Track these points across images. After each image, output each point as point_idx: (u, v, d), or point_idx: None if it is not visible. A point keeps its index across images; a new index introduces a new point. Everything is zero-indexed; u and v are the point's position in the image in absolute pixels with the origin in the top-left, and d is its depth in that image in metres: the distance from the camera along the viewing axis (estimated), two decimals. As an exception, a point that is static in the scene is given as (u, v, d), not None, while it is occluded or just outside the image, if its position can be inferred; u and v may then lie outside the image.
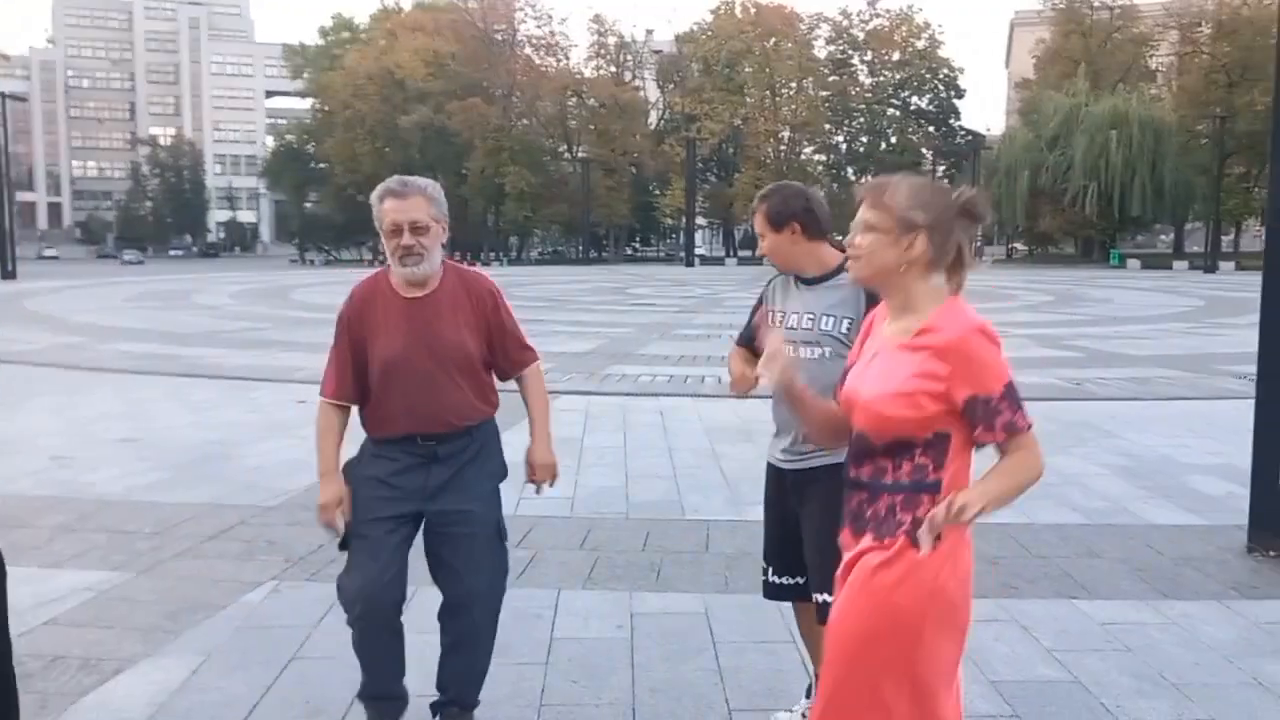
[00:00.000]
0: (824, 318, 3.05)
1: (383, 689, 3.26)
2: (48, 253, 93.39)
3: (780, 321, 3.15)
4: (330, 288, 34.04)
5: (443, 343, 3.10)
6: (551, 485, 3.40)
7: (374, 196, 3.11)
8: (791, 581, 3.24)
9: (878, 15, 77.41)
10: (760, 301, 3.33)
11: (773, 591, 3.34)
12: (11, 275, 44.28)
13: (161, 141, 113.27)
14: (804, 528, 3.11)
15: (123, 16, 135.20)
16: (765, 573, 3.34)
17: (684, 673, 3.88)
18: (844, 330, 3.00)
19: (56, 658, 3.97)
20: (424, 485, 3.13)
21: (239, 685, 3.74)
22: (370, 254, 79.79)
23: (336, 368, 3.17)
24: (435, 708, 3.29)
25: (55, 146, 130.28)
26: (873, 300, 2.91)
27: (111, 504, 6.35)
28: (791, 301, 3.16)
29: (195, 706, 3.59)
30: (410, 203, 3.04)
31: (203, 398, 10.90)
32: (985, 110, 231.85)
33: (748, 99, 74.94)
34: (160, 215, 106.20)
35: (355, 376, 3.16)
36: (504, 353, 3.26)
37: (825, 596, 2.97)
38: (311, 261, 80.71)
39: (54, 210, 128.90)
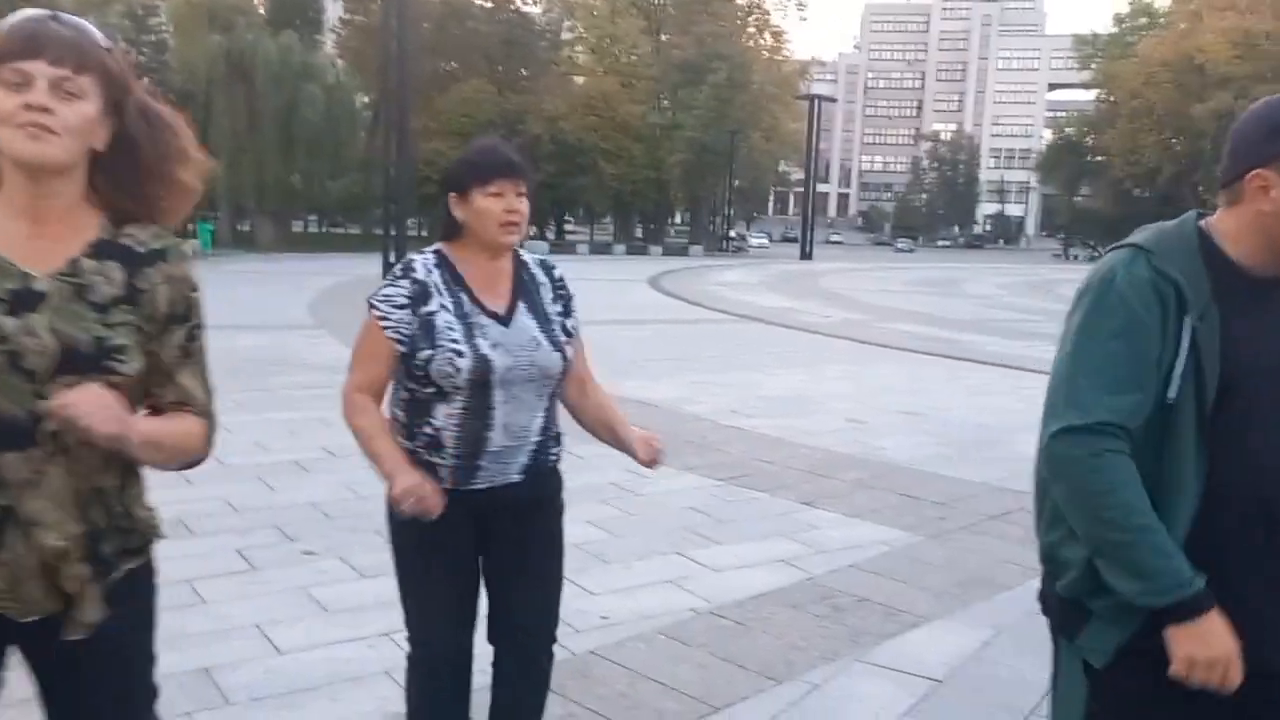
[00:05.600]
0: None
1: None
2: (833, 238, 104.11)
3: None
4: (1099, 285, 32.70)
5: None
6: None
7: None
8: None
9: None
10: None
11: None
12: (808, 257, 50.69)
13: (942, 137, 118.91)
14: None
15: (921, 19, 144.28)
16: None
17: None
18: None
19: (863, 599, 4.39)
20: None
21: (1031, 669, 3.76)
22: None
23: None
24: None
25: (849, 143, 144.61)
26: None
27: (900, 469, 6.85)
28: None
29: (991, 678, 3.69)
30: None
31: (975, 381, 11.24)
32: None
33: None
34: (933, 207, 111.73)
35: None
36: None
37: None
38: (1075, 256, 78.43)
39: (841, 200, 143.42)
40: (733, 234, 70.24)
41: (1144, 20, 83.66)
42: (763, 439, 7.72)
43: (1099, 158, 77.92)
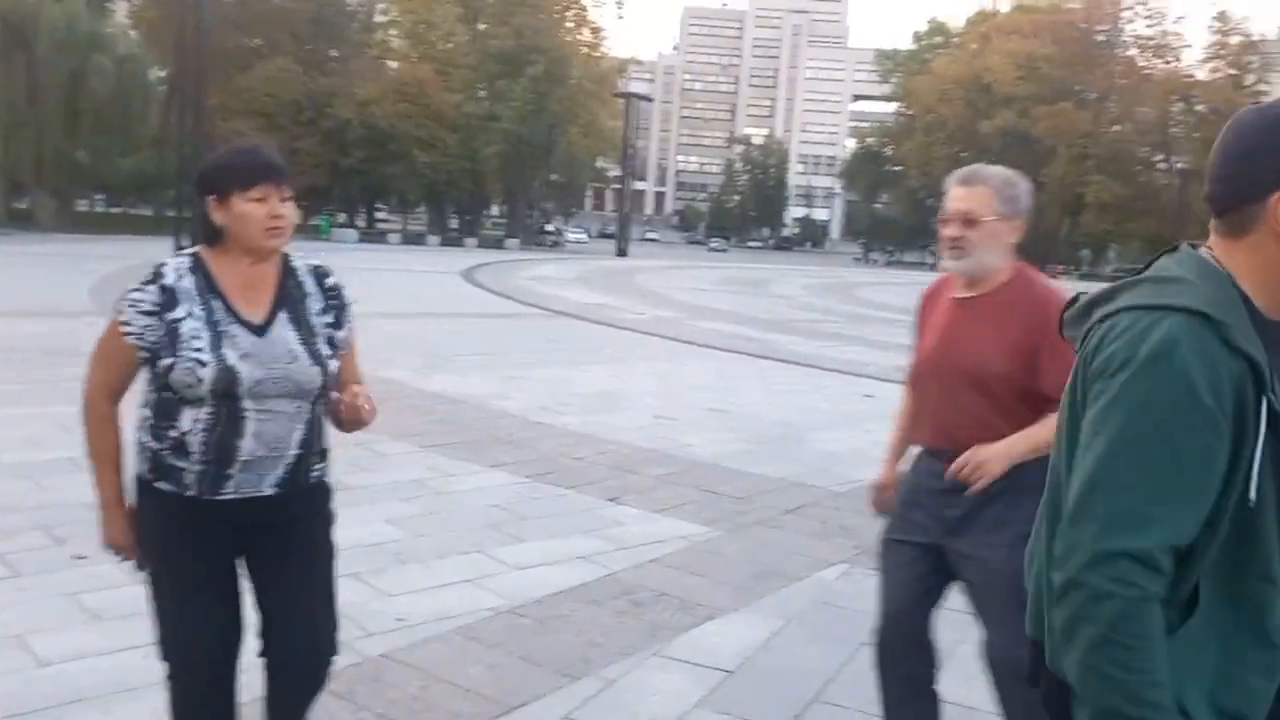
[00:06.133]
0: None
1: None
2: (649, 235, 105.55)
3: None
4: (894, 288, 34.52)
5: (961, 350, 2.73)
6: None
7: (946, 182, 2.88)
8: None
9: None
10: None
11: None
12: (624, 254, 51.25)
13: (754, 141, 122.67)
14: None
15: (736, 25, 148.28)
16: None
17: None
18: None
19: (662, 594, 4.47)
20: (940, 514, 2.71)
21: (816, 657, 3.93)
22: (932, 258, 79.47)
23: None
24: None
25: (666, 142, 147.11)
26: None
27: (704, 465, 7.02)
28: None
29: (778, 668, 3.83)
30: (972, 192, 2.71)
31: (778, 380, 11.64)
32: None
33: None
34: (745, 208, 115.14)
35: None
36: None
37: None
38: (874, 260, 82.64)
39: (658, 199, 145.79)
40: (550, 228, 70.23)
41: (940, 39, 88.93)
42: (571, 435, 7.75)
43: (897, 167, 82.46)
